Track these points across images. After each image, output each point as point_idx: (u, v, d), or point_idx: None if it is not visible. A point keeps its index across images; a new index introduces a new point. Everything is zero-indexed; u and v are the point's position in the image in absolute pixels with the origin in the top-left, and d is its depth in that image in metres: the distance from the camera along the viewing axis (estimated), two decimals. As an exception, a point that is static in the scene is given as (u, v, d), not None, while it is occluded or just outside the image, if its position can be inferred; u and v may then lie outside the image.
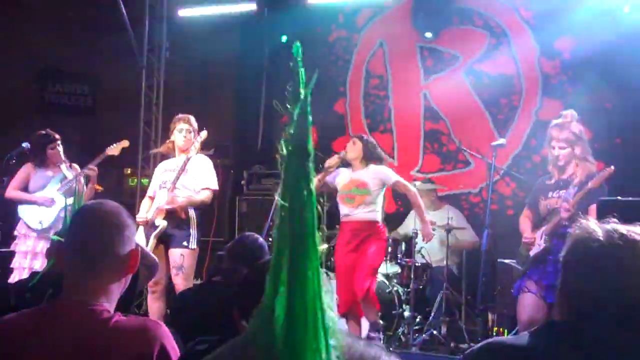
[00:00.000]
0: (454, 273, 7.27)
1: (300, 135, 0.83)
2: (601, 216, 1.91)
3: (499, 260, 6.41)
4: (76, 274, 1.99)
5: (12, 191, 6.47)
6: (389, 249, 7.01)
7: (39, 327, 1.91)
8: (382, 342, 6.26)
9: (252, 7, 9.22)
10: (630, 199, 4.95)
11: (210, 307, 3.36)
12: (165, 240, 5.92)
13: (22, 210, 6.45)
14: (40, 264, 5.88)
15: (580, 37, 7.68)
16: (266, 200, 8.23)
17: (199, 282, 6.85)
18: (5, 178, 6.47)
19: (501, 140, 6.27)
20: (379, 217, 6.16)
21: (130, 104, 9.27)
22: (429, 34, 8.69)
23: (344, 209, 6.15)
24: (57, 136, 6.59)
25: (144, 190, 7.08)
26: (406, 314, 6.69)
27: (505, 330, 6.42)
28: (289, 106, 0.85)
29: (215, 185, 6.15)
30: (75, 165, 6.72)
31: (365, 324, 6.13)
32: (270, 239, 5.39)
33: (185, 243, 5.90)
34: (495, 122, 8.42)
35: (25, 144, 6.53)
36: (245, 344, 0.89)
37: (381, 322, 6.58)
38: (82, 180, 6.32)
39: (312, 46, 8.69)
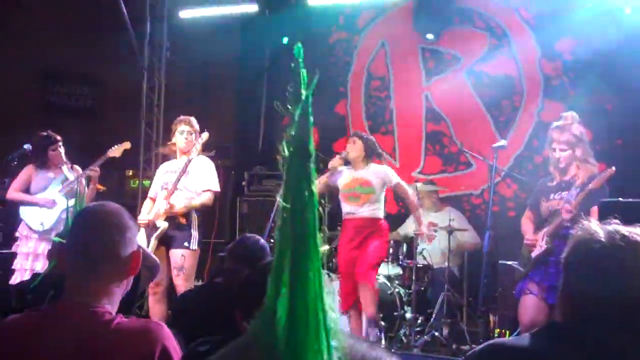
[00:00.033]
0: (455, 274, 7.27)
1: (302, 136, 0.83)
2: (603, 217, 1.91)
3: (500, 261, 6.41)
4: (78, 276, 1.99)
5: (13, 192, 6.47)
6: (390, 250, 7.02)
7: (41, 328, 1.92)
8: (382, 340, 6.27)
9: (253, 8, 9.22)
10: (631, 200, 4.94)
11: (212, 308, 3.36)
12: (166, 241, 5.91)
13: (24, 212, 6.45)
14: (41, 266, 5.88)
15: (581, 39, 7.68)
16: (267, 202, 8.23)
17: (200, 283, 6.86)
18: (6, 179, 6.47)
19: (502, 142, 6.27)
20: (381, 214, 6.21)
21: (132, 105, 9.28)
22: (430, 36, 8.69)
23: (347, 208, 6.17)
24: (59, 138, 6.60)
25: (145, 192, 7.08)
26: (407, 315, 6.69)
27: (507, 332, 6.42)
28: (290, 107, 0.85)
29: (216, 187, 6.15)
30: (77, 167, 6.72)
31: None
32: (271, 240, 5.39)
33: (186, 244, 5.90)
34: (496, 124, 8.42)
35: (26, 146, 6.54)
36: (248, 345, 0.89)
37: (382, 322, 6.59)
38: (84, 181, 6.32)
39: (313, 47, 8.69)
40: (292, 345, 0.77)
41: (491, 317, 6.83)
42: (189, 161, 5.99)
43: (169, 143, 6.33)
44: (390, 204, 8.14)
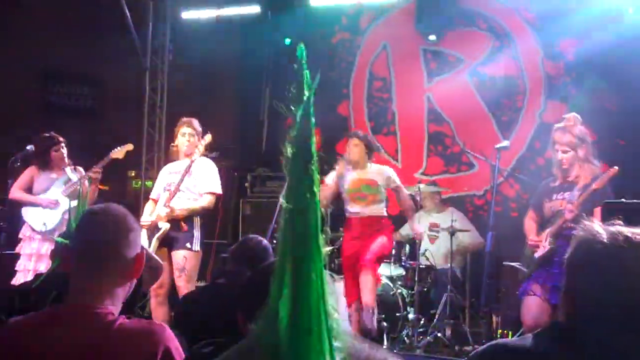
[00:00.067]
0: (458, 275, 7.27)
1: (303, 137, 0.83)
2: (606, 218, 1.91)
3: (504, 263, 6.40)
4: (82, 277, 2.00)
5: (16, 192, 6.48)
6: (393, 251, 7.02)
7: (44, 330, 1.92)
8: (379, 325, 6.29)
9: (256, 9, 9.22)
10: (635, 201, 4.93)
11: (214, 309, 3.36)
12: (168, 243, 5.91)
13: (26, 213, 6.46)
14: (45, 266, 5.88)
15: (584, 39, 7.67)
16: (270, 203, 8.23)
17: (203, 284, 6.85)
18: (9, 180, 6.48)
19: (505, 143, 6.27)
20: (385, 213, 6.23)
21: (134, 105, 9.29)
22: (432, 37, 8.69)
23: (354, 208, 6.17)
24: (61, 139, 6.61)
25: (147, 192, 7.09)
26: (410, 316, 6.69)
27: (510, 333, 6.42)
28: (292, 108, 0.85)
29: (218, 190, 6.15)
30: (80, 168, 6.73)
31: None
32: (274, 242, 5.39)
33: (188, 245, 5.89)
34: (499, 124, 8.42)
35: (29, 147, 6.54)
36: (251, 347, 0.89)
37: (385, 323, 6.59)
38: (86, 182, 6.33)
39: (315, 48, 8.69)
40: (294, 346, 0.77)
41: (494, 318, 6.83)
42: (192, 163, 6.00)
43: (172, 145, 6.34)
44: (392, 205, 8.13)
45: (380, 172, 6.21)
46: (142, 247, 2.10)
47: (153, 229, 5.85)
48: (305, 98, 0.84)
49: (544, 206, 4.96)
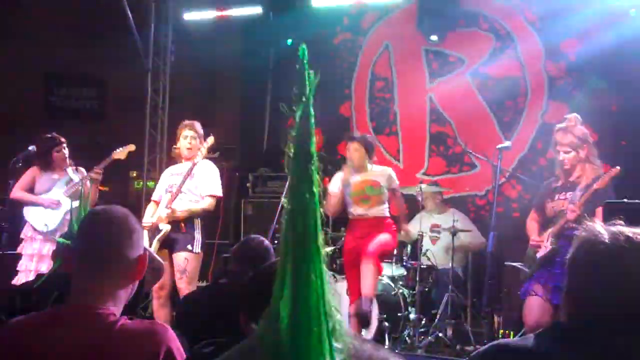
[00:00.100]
0: (459, 275, 7.26)
1: (303, 138, 0.83)
2: (608, 218, 1.91)
3: (506, 263, 6.40)
4: (84, 278, 2.00)
5: (18, 191, 6.48)
6: (395, 252, 7.01)
7: (45, 330, 1.92)
8: (382, 329, 6.31)
9: (257, 10, 9.22)
10: (636, 201, 4.93)
11: (216, 309, 3.36)
12: (169, 244, 5.92)
13: (28, 213, 6.47)
14: (47, 267, 5.89)
15: (586, 40, 7.66)
16: (272, 203, 8.23)
17: (204, 284, 6.86)
18: (11, 181, 6.48)
19: (507, 143, 6.27)
20: (388, 213, 6.21)
21: (136, 107, 9.30)
22: (434, 37, 8.68)
23: (358, 210, 6.12)
24: (63, 139, 6.62)
25: (149, 193, 7.09)
26: (412, 316, 6.68)
27: (512, 333, 6.42)
28: (293, 109, 0.85)
29: (219, 192, 6.16)
30: (81, 169, 6.74)
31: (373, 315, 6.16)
32: (275, 242, 5.40)
33: (189, 247, 5.90)
34: (500, 125, 8.41)
35: (31, 147, 6.55)
36: (253, 347, 0.89)
37: (386, 323, 6.59)
38: (88, 183, 6.34)
39: (317, 49, 8.69)
40: (295, 347, 0.77)
41: (495, 318, 6.83)
42: (194, 165, 6.01)
43: (174, 147, 6.35)
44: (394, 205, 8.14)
45: (382, 172, 6.19)
46: (145, 249, 2.11)
47: (154, 230, 5.85)
48: (304, 99, 0.84)
49: (546, 206, 4.97)
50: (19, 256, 6.37)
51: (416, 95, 8.96)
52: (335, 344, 0.79)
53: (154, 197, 6.30)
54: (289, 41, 9.23)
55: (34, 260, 6.26)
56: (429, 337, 6.48)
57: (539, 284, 4.77)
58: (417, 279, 6.74)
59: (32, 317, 1.99)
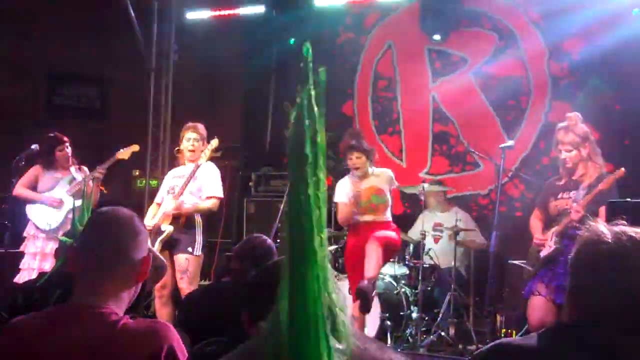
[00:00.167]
0: (462, 274, 7.26)
1: (298, 140, 0.82)
2: (611, 218, 1.91)
3: (509, 261, 6.39)
4: (88, 277, 2.00)
5: (20, 188, 6.49)
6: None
7: (48, 329, 1.93)
8: (385, 328, 6.31)
9: (261, 9, 9.22)
10: (639, 201, 4.93)
11: (218, 308, 3.37)
12: (171, 245, 5.93)
13: (31, 211, 6.48)
14: (49, 265, 5.90)
15: (589, 39, 7.65)
16: (274, 202, 8.23)
17: (207, 283, 6.87)
18: (14, 179, 6.49)
19: (510, 142, 6.26)
20: (391, 217, 6.18)
21: (139, 106, 9.30)
22: (437, 36, 8.67)
23: (364, 217, 6.05)
24: (66, 138, 6.63)
25: (152, 192, 7.11)
26: (414, 315, 6.68)
27: (514, 332, 6.42)
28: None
29: (220, 194, 6.17)
30: (84, 168, 6.75)
31: (374, 313, 6.17)
32: (278, 240, 5.41)
33: (190, 249, 5.91)
34: (503, 124, 8.40)
35: (34, 146, 6.56)
36: (255, 349, 0.89)
37: (389, 322, 6.58)
38: (91, 182, 6.34)
39: (320, 48, 8.65)
40: (293, 348, 0.76)
41: (498, 317, 6.83)
42: (197, 167, 6.01)
43: (177, 150, 6.36)
44: (396, 205, 8.13)
45: (384, 177, 6.12)
46: (149, 250, 2.11)
47: (156, 231, 5.86)
48: (298, 100, 0.84)
49: (549, 205, 4.97)
50: (21, 254, 6.38)
51: (419, 95, 8.95)
52: (338, 345, 0.79)
53: (157, 199, 6.32)
54: (292, 40, 9.22)
55: (36, 259, 6.28)
56: (431, 336, 6.47)
57: (542, 284, 4.77)
58: (420, 278, 6.74)
59: (34, 316, 2.00)
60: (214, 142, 6.15)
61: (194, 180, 6.01)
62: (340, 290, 0.83)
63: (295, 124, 0.83)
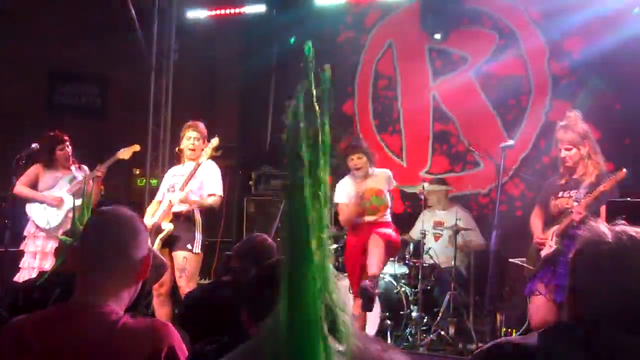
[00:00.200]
0: (462, 273, 7.25)
1: (293, 142, 0.82)
2: (611, 217, 1.91)
3: (509, 259, 6.39)
4: (88, 276, 2.01)
5: (20, 187, 6.48)
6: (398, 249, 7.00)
7: (48, 328, 1.93)
8: (384, 327, 6.31)
9: (261, 8, 9.22)
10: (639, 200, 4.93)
11: (219, 307, 3.37)
12: (170, 242, 5.93)
13: (31, 210, 6.48)
14: (49, 264, 5.89)
15: (589, 38, 7.65)
16: (274, 201, 8.24)
17: (206, 282, 6.86)
18: (14, 178, 6.49)
19: (510, 142, 6.26)
20: (390, 218, 6.20)
21: (139, 105, 9.30)
22: (437, 35, 8.67)
23: (365, 219, 6.06)
24: (66, 137, 6.62)
25: (152, 191, 7.11)
26: (414, 314, 6.68)
27: (514, 331, 6.42)
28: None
29: (221, 192, 6.18)
30: (84, 167, 6.75)
31: (374, 312, 6.17)
32: (278, 239, 5.40)
33: (189, 246, 5.92)
34: (504, 123, 8.39)
35: (34, 145, 6.56)
36: (256, 349, 0.89)
37: (388, 322, 6.59)
38: (91, 181, 6.34)
39: (320, 47, 8.64)
40: (291, 351, 0.76)
41: (498, 316, 6.82)
42: (198, 165, 6.02)
43: (178, 149, 6.36)
44: (396, 205, 8.14)
45: (383, 177, 6.14)
46: (149, 249, 2.11)
47: (156, 229, 5.87)
48: (294, 102, 0.84)
49: (549, 204, 4.98)
50: (21, 253, 6.38)
51: (419, 94, 8.95)
52: (338, 346, 0.79)
53: (157, 197, 6.32)
54: (292, 40, 9.22)
55: (36, 258, 6.28)
56: (431, 336, 6.47)
57: (542, 284, 4.77)
58: (420, 277, 6.74)
59: (35, 315, 2.00)
60: (215, 141, 6.15)
61: (194, 179, 6.02)
62: (341, 290, 0.82)
63: (291, 126, 0.82)
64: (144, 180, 9.26)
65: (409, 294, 6.84)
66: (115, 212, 2.10)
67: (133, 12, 8.70)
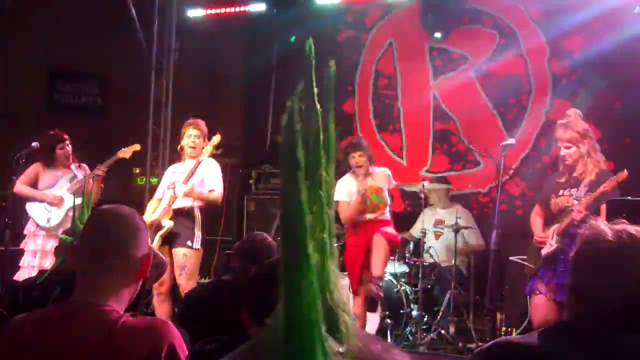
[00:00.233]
0: (462, 272, 7.26)
1: (289, 144, 0.82)
2: (611, 216, 1.91)
3: (509, 258, 6.39)
4: (88, 275, 2.00)
5: (20, 185, 6.48)
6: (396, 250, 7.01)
7: (49, 326, 1.93)
8: (385, 326, 6.37)
9: (261, 7, 9.22)
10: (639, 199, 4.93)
11: (219, 306, 3.37)
12: (169, 240, 5.94)
13: (31, 208, 6.47)
14: (49, 263, 5.90)
15: (590, 37, 7.65)
16: (274, 200, 8.23)
17: (207, 281, 6.86)
18: (14, 177, 6.49)
19: (510, 141, 6.26)
20: (389, 217, 6.21)
21: (140, 104, 9.29)
22: (438, 34, 8.67)
23: (366, 216, 6.08)
24: (66, 136, 6.62)
25: (152, 190, 7.11)
26: (414, 313, 6.68)
27: (514, 330, 6.42)
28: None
29: (221, 188, 6.19)
30: (84, 165, 6.75)
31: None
32: (279, 239, 5.39)
33: (189, 243, 5.92)
34: (504, 123, 8.40)
35: (34, 144, 6.56)
36: (255, 349, 0.88)
37: (389, 320, 6.59)
38: (92, 180, 6.34)
39: (320, 46, 8.63)
40: (290, 352, 0.76)
41: (498, 315, 6.82)
42: (199, 162, 6.02)
43: (180, 147, 6.36)
44: (397, 203, 8.14)
45: (382, 176, 6.16)
46: (150, 248, 2.11)
47: (156, 226, 5.87)
48: (288, 105, 0.83)
49: (550, 202, 4.98)
50: (21, 252, 6.38)
51: (420, 93, 8.95)
52: (338, 348, 0.78)
53: (157, 194, 6.32)
54: (292, 38, 9.21)
55: (36, 257, 6.28)
56: (431, 335, 6.47)
57: (543, 283, 4.78)
58: (420, 276, 6.73)
59: (35, 313, 2.00)
60: (217, 138, 6.15)
61: (194, 176, 6.02)
62: (342, 290, 0.82)
63: (286, 128, 0.82)
64: (144, 180, 9.26)
65: (409, 292, 6.84)
66: (115, 210, 2.10)
67: (133, 11, 8.70)
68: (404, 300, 6.70)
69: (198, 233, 5.99)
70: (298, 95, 0.84)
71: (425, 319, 6.68)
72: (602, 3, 7.35)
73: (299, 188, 0.80)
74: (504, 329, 6.63)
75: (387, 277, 6.82)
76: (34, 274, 5.77)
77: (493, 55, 8.49)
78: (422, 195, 7.11)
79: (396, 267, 7.03)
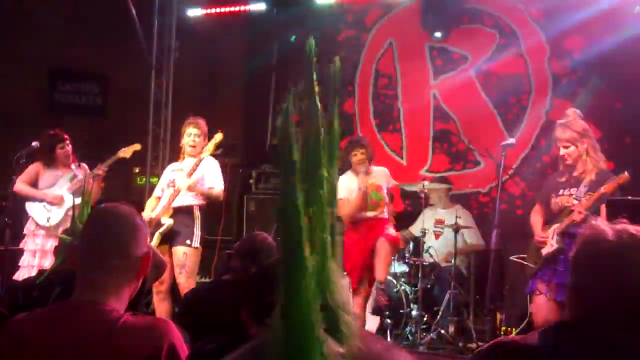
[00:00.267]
0: (462, 272, 7.26)
1: (285, 146, 0.82)
2: (611, 215, 1.91)
3: (510, 257, 6.38)
4: (88, 274, 2.00)
5: (20, 185, 6.47)
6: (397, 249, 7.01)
7: (49, 326, 1.93)
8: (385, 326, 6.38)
9: (262, 6, 9.22)
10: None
11: (219, 305, 3.36)
12: (169, 238, 5.94)
13: (30, 208, 6.47)
14: (49, 263, 5.89)
15: (590, 37, 7.65)
16: (275, 200, 8.21)
17: (207, 280, 6.86)
18: (14, 177, 6.49)
19: (511, 140, 6.26)
20: (387, 216, 6.23)
21: (140, 103, 9.29)
22: (438, 34, 8.67)
23: (365, 215, 6.10)
24: (66, 136, 6.62)
25: (152, 189, 7.10)
26: (414, 313, 6.68)
27: (514, 329, 6.42)
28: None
29: (222, 185, 6.19)
30: (84, 165, 6.75)
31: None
32: (278, 238, 5.39)
33: (188, 241, 5.92)
34: (504, 122, 8.39)
35: (34, 143, 6.56)
36: (255, 349, 0.88)
37: (389, 320, 6.59)
38: (92, 180, 6.34)
39: (321, 46, 8.63)
40: (290, 353, 0.76)
41: (498, 315, 6.83)
42: (200, 161, 6.02)
43: (180, 145, 6.37)
44: (397, 203, 8.13)
45: (381, 174, 6.18)
46: (150, 246, 2.11)
47: (156, 224, 5.87)
48: (284, 106, 0.83)
49: (550, 201, 4.99)
50: (21, 252, 6.38)
51: (420, 92, 8.94)
52: (339, 349, 0.78)
53: (156, 193, 6.33)
54: (292, 38, 9.21)
55: (36, 256, 6.27)
56: (431, 334, 6.47)
57: (543, 282, 4.78)
58: (420, 275, 6.73)
59: (35, 313, 2.00)
60: (218, 136, 6.16)
61: (195, 173, 6.03)
62: (343, 290, 0.82)
63: (281, 129, 0.82)
64: (144, 179, 9.26)
65: (409, 292, 6.84)
66: (114, 209, 2.10)
67: (133, 11, 8.70)
68: (404, 300, 6.71)
69: (197, 232, 5.99)
70: (296, 95, 0.84)
71: (425, 319, 6.68)
72: (602, 3, 7.35)
73: (295, 188, 0.80)
74: (504, 329, 6.63)
75: (387, 277, 6.82)
76: (33, 273, 5.77)
77: (493, 55, 8.49)
78: (422, 195, 7.10)
79: (396, 267, 7.03)
